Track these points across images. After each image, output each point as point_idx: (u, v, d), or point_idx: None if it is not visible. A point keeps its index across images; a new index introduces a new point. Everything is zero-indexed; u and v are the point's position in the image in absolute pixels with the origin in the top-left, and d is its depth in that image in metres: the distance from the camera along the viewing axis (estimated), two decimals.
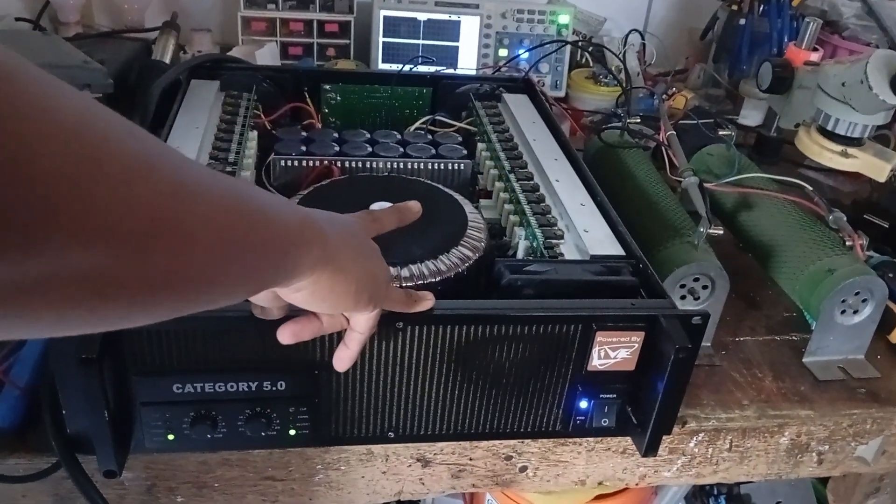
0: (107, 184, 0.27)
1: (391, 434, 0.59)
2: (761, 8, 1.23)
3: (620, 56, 1.12)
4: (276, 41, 1.21)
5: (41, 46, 0.80)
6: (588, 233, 0.68)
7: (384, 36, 1.21)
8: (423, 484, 0.65)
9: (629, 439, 0.64)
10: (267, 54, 1.18)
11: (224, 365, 0.53)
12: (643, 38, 1.31)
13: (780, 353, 0.75)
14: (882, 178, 0.93)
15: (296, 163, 0.79)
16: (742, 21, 1.23)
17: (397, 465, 0.64)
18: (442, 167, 0.82)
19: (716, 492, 1.22)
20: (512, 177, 0.77)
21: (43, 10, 1.14)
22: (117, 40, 1.04)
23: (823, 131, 0.95)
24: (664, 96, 1.19)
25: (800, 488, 1.21)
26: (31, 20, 1.12)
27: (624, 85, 1.01)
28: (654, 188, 0.82)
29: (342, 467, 0.63)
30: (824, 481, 1.13)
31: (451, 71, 1.11)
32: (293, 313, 0.49)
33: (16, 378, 0.58)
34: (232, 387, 0.54)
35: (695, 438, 0.68)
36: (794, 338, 0.77)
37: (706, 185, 0.80)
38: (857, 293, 0.71)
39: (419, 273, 0.61)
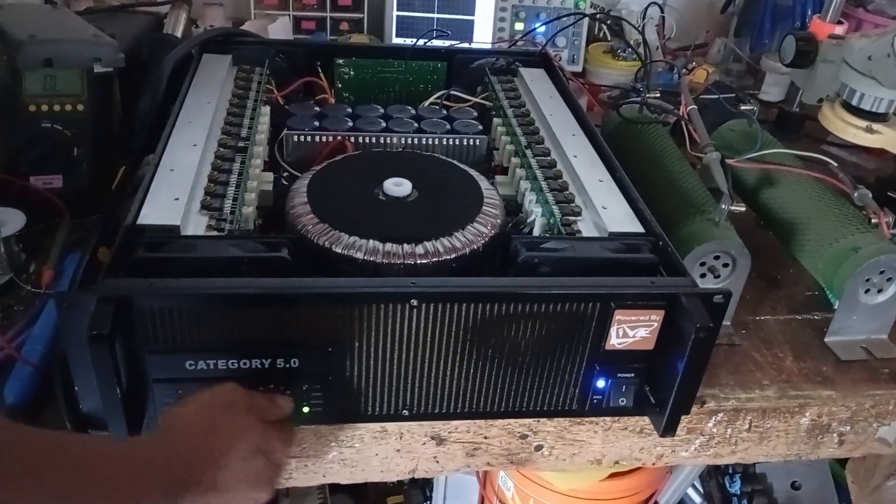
0: None
1: (406, 412, 0.58)
2: None
3: (639, 29, 1.09)
4: (289, 15, 1.19)
5: (51, 21, 0.79)
6: (606, 210, 0.66)
7: (398, 10, 1.19)
8: (437, 462, 0.65)
9: (646, 418, 0.63)
10: (279, 28, 1.17)
11: (237, 342, 0.53)
12: (662, 12, 1.28)
13: (802, 333, 0.74)
14: None
15: (309, 138, 0.78)
16: None
17: (412, 444, 0.63)
18: (457, 143, 0.81)
19: (731, 471, 1.21)
20: (528, 152, 0.76)
21: None
22: (128, 14, 1.03)
23: (848, 106, 0.93)
24: (684, 70, 1.16)
25: (816, 468, 1.20)
26: None
27: (643, 59, 0.99)
28: (674, 164, 0.80)
29: (356, 445, 0.62)
30: (842, 461, 1.12)
31: (466, 45, 1.09)
32: None
33: (28, 355, 0.58)
34: (245, 364, 0.53)
35: (714, 418, 0.67)
36: (815, 317, 0.76)
37: (728, 161, 0.78)
38: (881, 272, 0.69)
39: (434, 250, 0.60)
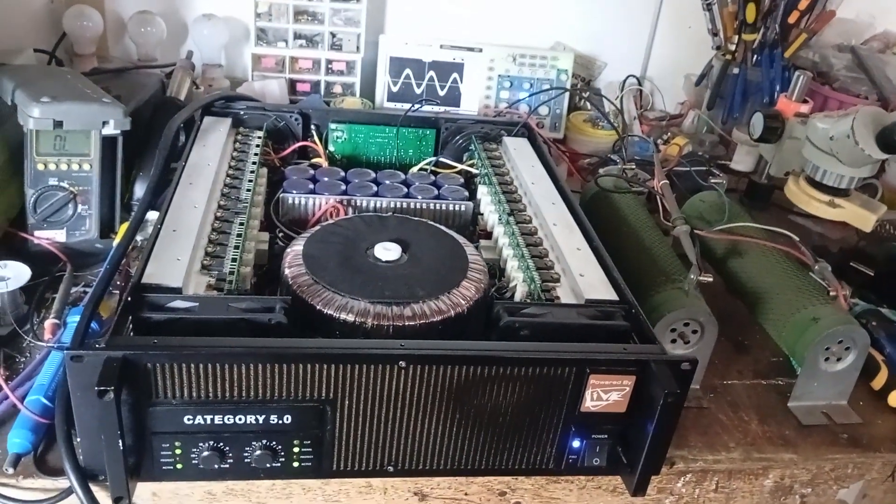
0: None
1: (390, 468, 0.61)
2: (755, 58, 1.28)
3: (617, 103, 1.16)
4: (286, 78, 1.24)
5: (62, 82, 0.83)
6: (583, 277, 0.71)
7: (390, 76, 1.25)
8: None
9: (619, 478, 0.66)
10: (276, 90, 1.22)
11: (234, 398, 0.56)
12: (640, 84, 1.35)
13: (767, 397, 0.78)
14: (867, 229, 0.96)
15: (303, 200, 0.82)
16: (736, 70, 1.28)
17: (395, 499, 0.66)
18: (443, 208, 0.85)
19: None
20: (511, 219, 0.80)
21: (59, 42, 1.18)
22: (132, 75, 1.07)
23: (811, 181, 0.98)
24: (659, 140, 1.23)
25: None
26: (48, 52, 1.15)
27: (620, 131, 1.04)
28: (647, 233, 0.85)
29: (342, 499, 0.65)
30: None
31: (454, 112, 1.14)
32: None
33: (30, 405, 0.60)
34: (241, 419, 0.56)
35: (682, 479, 0.70)
36: (779, 382, 0.80)
37: (698, 231, 0.83)
38: (840, 341, 0.74)
39: (421, 312, 0.63)
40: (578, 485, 0.68)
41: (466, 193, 0.88)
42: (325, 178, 0.86)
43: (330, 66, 1.26)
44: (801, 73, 1.08)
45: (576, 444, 0.62)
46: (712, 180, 0.96)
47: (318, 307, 0.62)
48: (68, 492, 0.57)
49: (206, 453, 0.57)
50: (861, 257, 0.98)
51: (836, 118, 0.95)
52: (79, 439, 0.56)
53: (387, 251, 0.70)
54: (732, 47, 1.26)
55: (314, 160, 0.94)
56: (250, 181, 0.81)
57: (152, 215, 0.74)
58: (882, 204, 0.97)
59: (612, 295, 0.69)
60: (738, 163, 1.26)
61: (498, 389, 0.59)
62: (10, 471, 0.58)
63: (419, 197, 0.85)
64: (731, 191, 1.13)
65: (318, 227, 0.74)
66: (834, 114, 0.98)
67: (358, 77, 1.27)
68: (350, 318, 0.62)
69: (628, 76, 1.37)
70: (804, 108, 1.07)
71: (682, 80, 1.42)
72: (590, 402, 0.60)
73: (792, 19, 1.24)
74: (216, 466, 0.57)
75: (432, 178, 0.90)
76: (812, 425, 0.75)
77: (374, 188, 0.86)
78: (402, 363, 0.56)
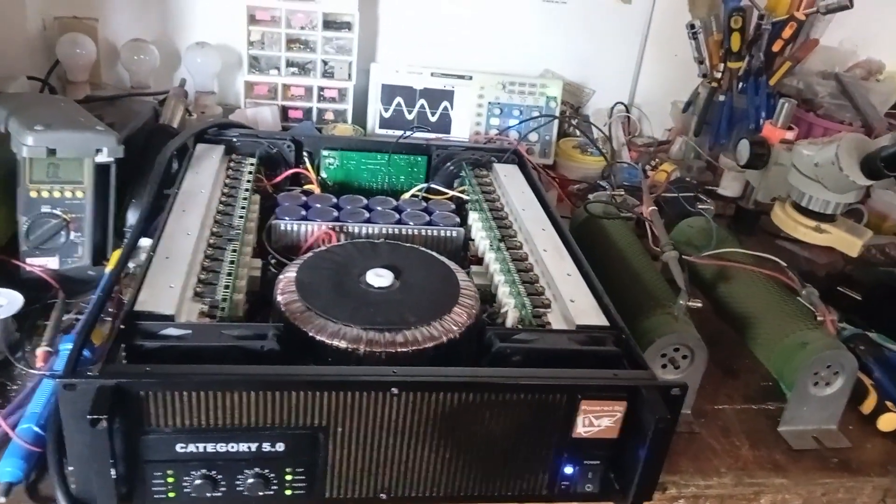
0: None
1: (383, 495, 0.61)
2: (740, 86, 1.30)
3: (605, 130, 1.17)
4: (278, 105, 1.25)
5: (56, 110, 0.83)
6: (574, 303, 0.71)
7: (381, 103, 1.26)
8: None
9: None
10: (268, 116, 1.23)
11: (226, 426, 0.56)
12: (628, 111, 1.37)
13: (757, 422, 0.78)
14: (854, 254, 0.98)
15: (296, 227, 0.83)
16: (722, 97, 1.30)
17: None
18: (435, 234, 0.86)
19: None
20: (502, 245, 0.81)
21: (52, 70, 1.19)
22: (125, 102, 1.08)
23: (798, 207, 1.00)
24: (647, 166, 1.24)
25: None
26: (42, 79, 1.16)
27: (609, 157, 1.06)
28: (636, 259, 0.86)
29: None
30: None
31: (445, 139, 1.15)
32: None
33: (22, 434, 0.60)
34: (233, 447, 0.56)
35: None
36: (770, 407, 0.80)
37: (687, 257, 0.84)
38: (828, 366, 0.74)
39: (413, 338, 0.64)
40: None
41: (457, 219, 0.88)
42: (318, 205, 0.87)
43: (322, 93, 1.27)
44: (786, 101, 1.10)
45: (568, 469, 0.62)
46: (700, 206, 0.97)
47: (310, 334, 0.62)
48: None
49: (198, 481, 0.57)
50: (848, 282, 1.00)
51: (820, 145, 0.97)
52: (70, 468, 0.55)
53: (379, 277, 0.70)
54: (718, 75, 1.28)
55: (306, 187, 0.95)
56: (243, 208, 0.81)
57: (145, 242, 0.74)
58: (868, 229, 0.99)
59: (602, 321, 0.69)
60: (726, 188, 1.27)
61: (490, 416, 0.59)
62: (2, 500, 0.57)
63: (411, 223, 0.86)
64: (719, 216, 1.15)
65: (310, 254, 0.75)
66: (819, 141, 1.00)
67: (350, 104, 1.28)
68: (343, 344, 0.62)
69: (616, 103, 1.39)
70: (789, 135, 1.09)
71: (669, 106, 1.43)
72: (581, 428, 0.61)
73: (776, 48, 1.27)
74: (208, 495, 0.57)
75: (423, 204, 0.91)
76: (802, 450, 0.75)
77: (366, 215, 0.86)
78: (395, 390, 0.57)
